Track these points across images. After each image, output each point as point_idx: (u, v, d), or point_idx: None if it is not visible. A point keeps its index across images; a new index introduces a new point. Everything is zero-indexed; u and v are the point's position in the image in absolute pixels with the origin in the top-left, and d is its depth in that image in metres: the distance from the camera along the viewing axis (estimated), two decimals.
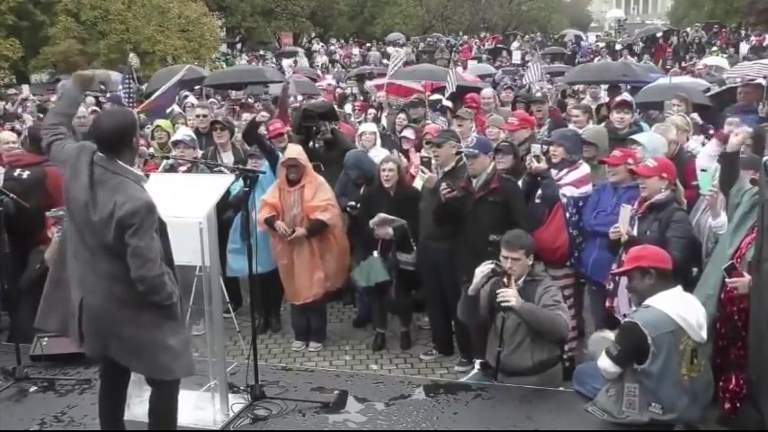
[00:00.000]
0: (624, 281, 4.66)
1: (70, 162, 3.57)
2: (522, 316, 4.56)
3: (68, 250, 3.68)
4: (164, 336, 3.60)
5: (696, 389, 3.99)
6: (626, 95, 8.57)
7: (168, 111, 9.61)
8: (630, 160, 5.29)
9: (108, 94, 11.44)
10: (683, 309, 3.95)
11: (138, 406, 4.16)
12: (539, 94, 8.52)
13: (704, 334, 3.97)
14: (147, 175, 3.70)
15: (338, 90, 15.27)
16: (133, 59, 18.57)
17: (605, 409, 4.09)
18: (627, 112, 6.78)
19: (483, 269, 4.66)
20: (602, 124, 7.36)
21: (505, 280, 4.60)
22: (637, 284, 4.12)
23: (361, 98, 13.71)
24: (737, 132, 4.61)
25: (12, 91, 16.94)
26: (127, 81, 10.03)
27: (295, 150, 6.19)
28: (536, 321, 4.55)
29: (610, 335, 4.23)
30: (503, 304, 4.54)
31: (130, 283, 3.44)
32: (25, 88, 15.79)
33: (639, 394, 3.95)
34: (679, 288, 4.07)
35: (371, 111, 9.96)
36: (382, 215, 6.01)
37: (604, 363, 4.07)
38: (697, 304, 4.04)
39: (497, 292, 4.59)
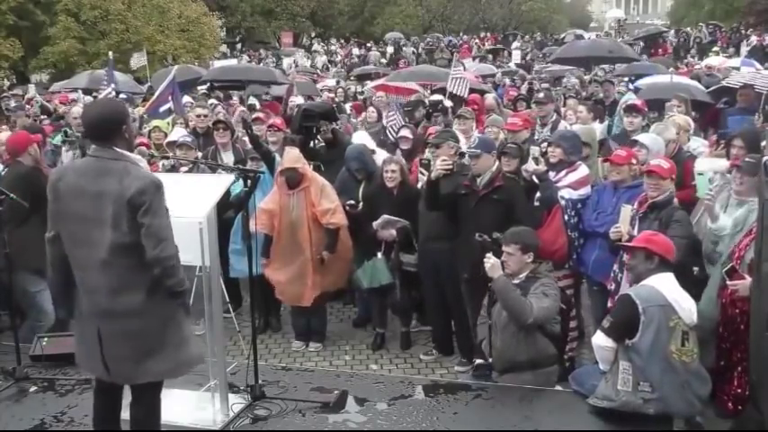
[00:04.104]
0: (625, 282, 4.69)
1: (64, 181, 3.46)
2: (494, 287, 4.68)
3: (74, 269, 3.53)
4: (173, 329, 3.53)
5: (689, 377, 4.03)
6: (635, 99, 8.57)
7: (164, 109, 9.62)
8: (634, 160, 5.30)
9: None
10: (675, 291, 4.09)
11: None
12: (540, 95, 8.55)
13: (694, 318, 4.09)
14: None
15: (339, 90, 15.26)
16: (135, 60, 18.35)
17: (605, 395, 4.18)
18: (635, 115, 6.84)
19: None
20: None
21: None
22: (637, 264, 4.25)
23: (361, 98, 13.71)
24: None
25: (15, 91, 16.89)
26: (104, 81, 10.03)
27: (292, 158, 6.07)
28: (503, 298, 4.63)
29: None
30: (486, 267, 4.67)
31: (143, 271, 3.38)
32: (31, 88, 15.80)
33: (632, 372, 4.04)
34: (671, 274, 4.18)
35: (372, 110, 9.88)
36: (386, 217, 6.00)
37: (598, 338, 4.20)
38: (687, 294, 4.14)
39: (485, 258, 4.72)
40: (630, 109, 6.98)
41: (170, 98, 9.69)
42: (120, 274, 3.41)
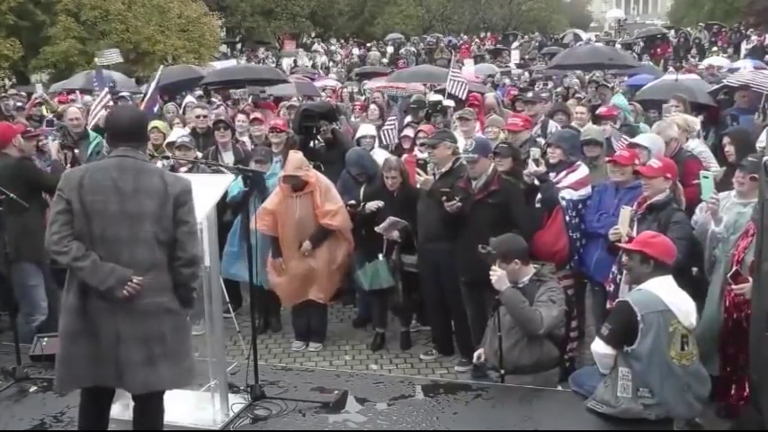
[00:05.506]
0: (624, 284, 4.68)
1: (89, 179, 3.44)
2: (502, 300, 4.65)
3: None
4: (188, 336, 3.64)
5: (689, 380, 4.02)
6: (602, 108, 8.40)
7: (156, 110, 9.64)
8: (637, 161, 5.30)
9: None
10: (673, 295, 4.05)
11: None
12: (529, 94, 8.55)
13: (693, 320, 4.07)
14: None
15: (344, 91, 15.25)
16: (105, 56, 17.61)
17: (603, 400, 4.15)
18: (605, 123, 7.00)
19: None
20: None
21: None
22: (634, 266, 4.21)
23: (362, 98, 13.69)
24: None
25: (13, 91, 16.86)
26: (95, 85, 10.04)
27: (294, 164, 6.04)
28: (512, 310, 4.62)
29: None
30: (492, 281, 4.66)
31: (170, 272, 3.48)
32: (38, 87, 15.77)
33: (632, 378, 4.02)
34: (670, 277, 4.14)
35: (374, 107, 9.87)
36: (392, 219, 5.98)
37: (597, 345, 4.17)
38: (685, 295, 4.11)
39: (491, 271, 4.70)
40: (597, 118, 7.11)
41: (158, 99, 9.75)
42: (163, 273, 3.49)
